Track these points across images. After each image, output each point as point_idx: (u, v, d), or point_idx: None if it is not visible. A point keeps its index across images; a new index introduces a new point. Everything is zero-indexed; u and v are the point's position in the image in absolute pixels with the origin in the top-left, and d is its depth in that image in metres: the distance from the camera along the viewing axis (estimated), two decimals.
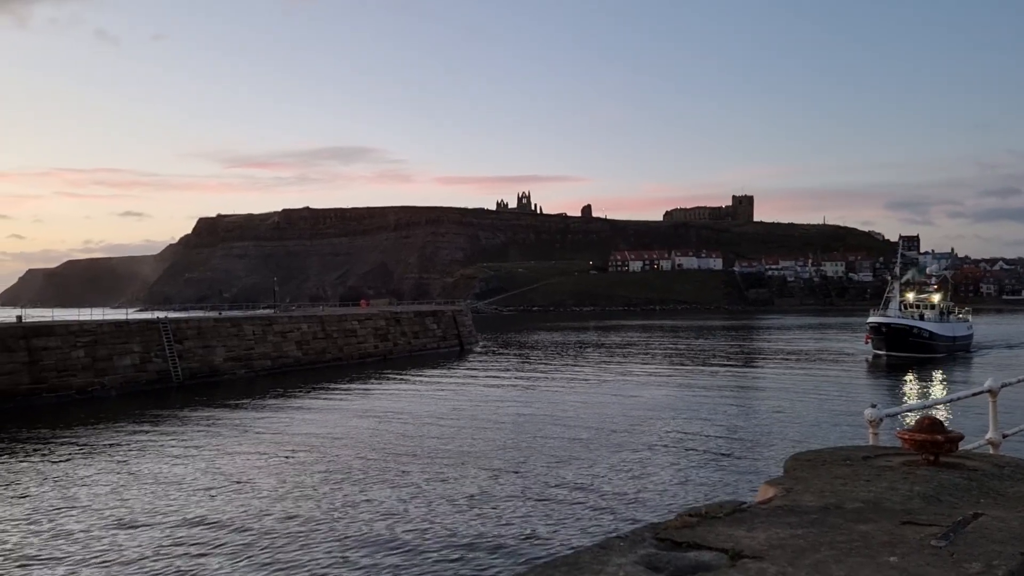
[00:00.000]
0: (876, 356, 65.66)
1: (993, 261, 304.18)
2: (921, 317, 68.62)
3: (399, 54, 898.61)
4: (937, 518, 3.24)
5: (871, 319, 68.89)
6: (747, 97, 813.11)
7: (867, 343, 69.36)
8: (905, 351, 63.60)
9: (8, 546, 18.18)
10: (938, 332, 66.60)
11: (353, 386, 49.91)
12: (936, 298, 72.73)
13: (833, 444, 21.82)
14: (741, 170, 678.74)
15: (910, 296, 72.62)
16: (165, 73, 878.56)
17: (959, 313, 77.31)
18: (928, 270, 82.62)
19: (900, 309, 70.07)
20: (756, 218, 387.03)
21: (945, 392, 43.23)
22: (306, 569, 16.22)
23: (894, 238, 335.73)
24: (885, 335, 65.55)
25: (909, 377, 52.90)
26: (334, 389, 48.40)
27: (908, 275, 79.75)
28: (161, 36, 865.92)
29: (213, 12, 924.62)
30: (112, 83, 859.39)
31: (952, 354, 67.08)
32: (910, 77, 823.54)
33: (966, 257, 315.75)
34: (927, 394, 44.57)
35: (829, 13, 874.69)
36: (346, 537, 18.19)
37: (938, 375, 53.88)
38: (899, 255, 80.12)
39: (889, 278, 78.00)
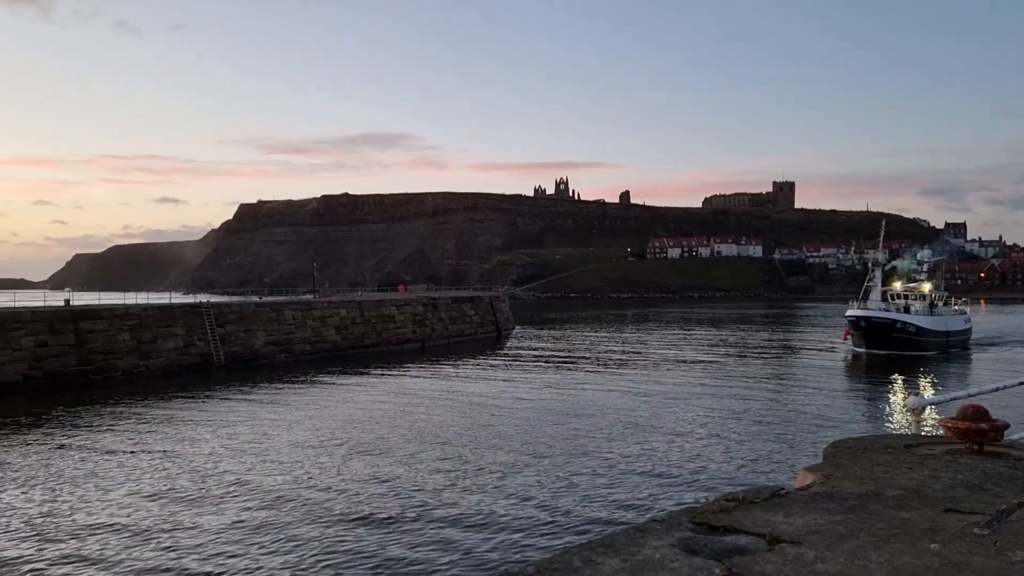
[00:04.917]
0: (856, 354, 58.22)
1: None
2: (907, 309, 60.87)
3: (434, 40, 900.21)
4: (980, 506, 3.20)
5: (849, 312, 61.24)
6: (786, 82, 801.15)
7: (846, 339, 62.02)
8: (888, 348, 56.22)
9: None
10: (927, 327, 58.50)
11: (392, 371, 50.30)
12: (927, 287, 64.78)
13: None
14: (780, 156, 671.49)
15: (897, 285, 65.39)
16: (196, 61, 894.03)
17: (955, 304, 68.67)
18: (919, 256, 72.95)
19: (887, 300, 62.97)
20: (797, 205, 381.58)
21: (932, 393, 39.88)
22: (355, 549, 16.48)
23: (935, 225, 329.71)
24: (865, 330, 58.22)
25: (882, 380, 45.88)
26: (374, 373, 48.83)
27: (895, 263, 71.43)
28: (182, 26, 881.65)
29: (232, 1, 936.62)
30: (145, 72, 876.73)
31: (945, 352, 58.85)
32: (943, 62, 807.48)
33: (1015, 245, 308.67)
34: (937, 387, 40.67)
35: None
36: (390, 510, 18.44)
37: (918, 377, 46.12)
38: (882, 235, 68.87)
39: (870, 264, 68.13)
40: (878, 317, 58.58)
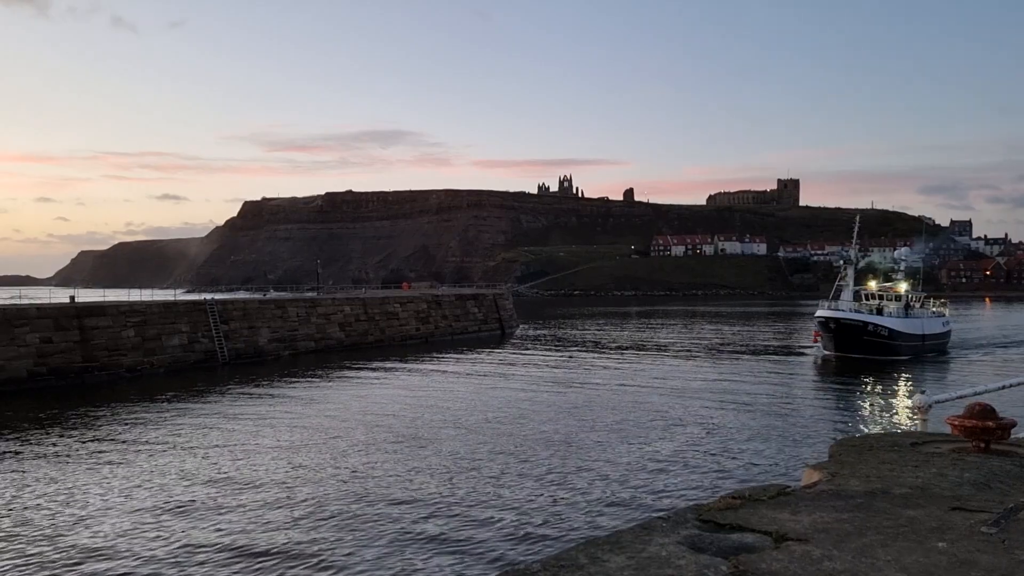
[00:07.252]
0: (826, 358, 54.88)
1: None
2: (880, 311, 57.20)
3: (437, 37, 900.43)
4: (987, 505, 3.18)
5: (819, 313, 57.49)
6: (790, 80, 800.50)
7: (816, 342, 58.49)
8: (859, 351, 52.94)
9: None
10: (901, 329, 54.91)
11: (396, 367, 50.34)
12: (902, 287, 61.28)
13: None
14: (785, 154, 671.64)
15: (872, 285, 61.96)
16: (196, 59, 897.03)
17: (933, 306, 64.50)
18: (896, 253, 69.18)
19: (861, 300, 59.67)
20: (801, 202, 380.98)
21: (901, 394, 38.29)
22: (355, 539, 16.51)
23: (940, 223, 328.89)
24: (834, 332, 54.60)
25: (885, 378, 43.58)
26: (378, 370, 48.87)
27: (869, 261, 67.79)
28: (179, 23, 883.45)
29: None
30: (147, 70, 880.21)
31: (920, 356, 55.26)
32: (945, 60, 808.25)
33: (1020, 243, 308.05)
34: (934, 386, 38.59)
35: None
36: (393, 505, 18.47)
37: (882, 385, 42.11)
38: (855, 234, 62.95)
39: (842, 262, 63.45)
40: (848, 318, 55.07)
